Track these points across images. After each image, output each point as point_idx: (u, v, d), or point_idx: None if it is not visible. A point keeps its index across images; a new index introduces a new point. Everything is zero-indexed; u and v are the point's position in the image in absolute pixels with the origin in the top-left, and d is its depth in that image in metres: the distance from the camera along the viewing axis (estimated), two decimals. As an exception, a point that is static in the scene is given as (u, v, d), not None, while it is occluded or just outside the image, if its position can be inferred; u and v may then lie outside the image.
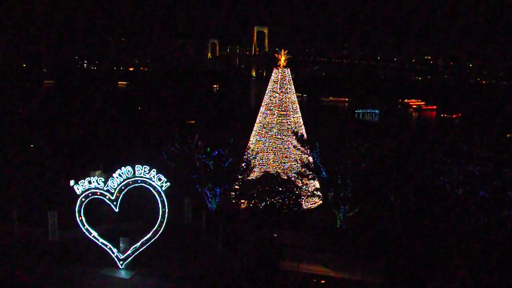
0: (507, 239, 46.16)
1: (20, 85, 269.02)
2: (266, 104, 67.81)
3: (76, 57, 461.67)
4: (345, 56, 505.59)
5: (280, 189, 57.90)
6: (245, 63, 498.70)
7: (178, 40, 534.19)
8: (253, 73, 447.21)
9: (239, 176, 61.01)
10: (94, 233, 43.28)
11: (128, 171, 41.57)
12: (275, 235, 51.77)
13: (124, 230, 46.82)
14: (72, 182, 57.16)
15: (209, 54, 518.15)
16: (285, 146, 65.45)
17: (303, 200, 60.03)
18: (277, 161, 65.35)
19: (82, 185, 42.13)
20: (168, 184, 41.63)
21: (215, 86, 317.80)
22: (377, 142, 61.04)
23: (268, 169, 64.27)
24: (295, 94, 69.08)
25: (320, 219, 58.71)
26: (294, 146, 62.27)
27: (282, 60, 68.26)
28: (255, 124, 68.96)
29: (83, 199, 42.24)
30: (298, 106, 68.82)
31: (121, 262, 43.19)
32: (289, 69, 68.63)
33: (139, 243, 42.80)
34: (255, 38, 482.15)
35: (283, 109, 66.59)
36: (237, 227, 52.87)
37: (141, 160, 45.04)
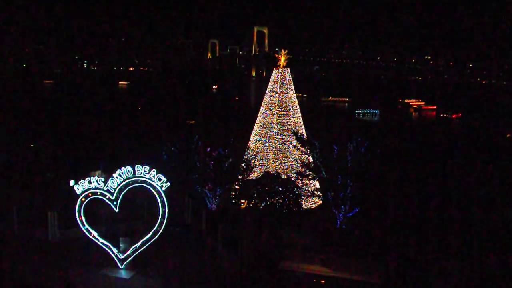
0: (507, 239, 46.21)
1: (20, 85, 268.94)
2: (266, 104, 67.75)
3: (76, 57, 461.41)
4: (345, 56, 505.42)
5: (280, 189, 57.85)
6: (245, 63, 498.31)
7: (178, 40, 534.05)
8: (253, 73, 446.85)
9: (239, 176, 60.99)
10: (94, 233, 43.32)
11: (128, 171, 41.62)
12: (275, 235, 51.79)
13: (124, 230, 46.88)
14: (72, 182, 57.18)
15: (209, 54, 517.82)
16: (285, 146, 65.39)
17: (303, 200, 59.99)
18: (277, 161, 65.29)
19: (82, 185, 42.16)
20: (168, 184, 41.67)
21: (214, 87, 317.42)
22: (377, 142, 61.06)
23: (268, 169, 64.22)
24: (295, 94, 69.04)
25: (320, 219, 58.68)
26: (294, 146, 62.23)
27: (282, 60, 68.19)
28: (255, 124, 68.91)
29: (83, 199, 42.28)
30: (298, 106, 68.76)
31: (121, 262, 43.21)
32: (289, 69, 68.57)
33: (139, 243, 42.84)
34: (255, 38, 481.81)
35: (283, 109, 66.54)
36: (237, 227, 52.86)
37: (141, 160, 45.11)
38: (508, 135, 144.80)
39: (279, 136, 65.85)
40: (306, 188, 60.05)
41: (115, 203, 42.14)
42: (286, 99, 67.00)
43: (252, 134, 68.63)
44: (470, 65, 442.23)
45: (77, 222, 42.82)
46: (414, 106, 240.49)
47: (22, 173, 68.67)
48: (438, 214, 52.71)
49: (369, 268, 45.94)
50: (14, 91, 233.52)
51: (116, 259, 43.23)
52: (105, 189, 42.12)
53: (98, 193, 42.27)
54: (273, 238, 51.44)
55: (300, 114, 68.75)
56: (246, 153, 64.12)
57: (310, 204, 64.43)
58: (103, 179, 42.49)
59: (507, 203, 48.10)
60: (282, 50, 69.66)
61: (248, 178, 61.64)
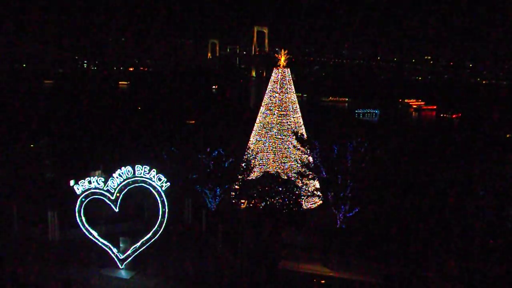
0: (507, 239, 46.17)
1: (20, 85, 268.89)
2: (266, 104, 67.75)
3: (76, 57, 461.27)
4: (345, 56, 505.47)
5: (280, 189, 57.84)
6: (245, 63, 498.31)
7: (178, 40, 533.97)
8: (253, 73, 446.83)
9: (239, 176, 60.98)
10: (94, 233, 43.29)
11: (128, 171, 41.59)
12: (275, 235, 51.78)
13: (124, 230, 46.86)
14: (72, 182, 57.13)
15: (209, 54, 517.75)
16: (285, 146, 65.40)
17: (303, 200, 59.99)
18: (277, 161, 65.29)
19: (82, 185, 42.14)
20: (168, 184, 41.64)
21: (214, 87, 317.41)
22: (377, 142, 61.08)
23: (268, 169, 64.22)
24: (295, 94, 69.03)
25: (320, 219, 58.69)
26: (294, 146, 62.24)
27: (282, 60, 68.18)
28: (255, 124, 68.90)
29: (83, 199, 42.26)
30: (298, 106, 68.76)
31: (121, 262, 43.21)
32: (289, 69, 68.57)
33: (139, 243, 42.81)
34: (255, 38, 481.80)
35: (283, 109, 66.54)
36: (237, 227, 52.84)
37: (141, 160, 45.09)
38: (508, 135, 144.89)
39: (279, 136, 65.84)
40: (306, 188, 60.03)
41: (115, 203, 42.11)
42: (286, 99, 66.99)
43: (252, 134, 68.63)
44: (470, 65, 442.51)
45: (77, 222, 42.79)
46: (414, 106, 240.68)
47: (22, 173, 68.61)
48: (439, 213, 52.68)
49: (369, 268, 45.92)
50: (14, 91, 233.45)
51: (116, 259, 43.21)
52: (105, 189, 42.10)
53: (98, 193, 42.24)
54: (273, 238, 51.43)
55: (300, 114, 68.74)
56: (246, 153, 64.13)
57: (310, 204, 64.42)
58: (103, 179, 42.47)
59: (507, 203, 48.06)
60: (282, 50, 69.64)
61: (248, 178, 61.63)
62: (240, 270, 44.03)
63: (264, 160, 65.61)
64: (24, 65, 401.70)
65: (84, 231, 43.08)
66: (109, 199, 42.13)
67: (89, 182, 42.13)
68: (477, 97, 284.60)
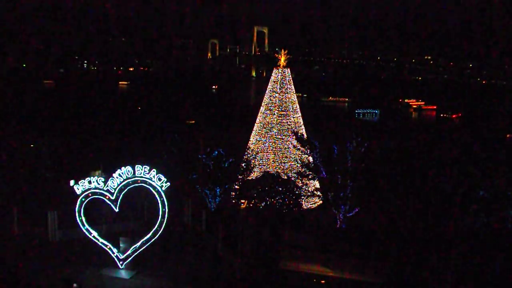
0: (507, 239, 46.18)
1: (20, 85, 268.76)
2: (266, 104, 67.79)
3: (76, 57, 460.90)
4: (345, 56, 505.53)
5: (280, 189, 57.88)
6: (245, 63, 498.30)
7: (178, 40, 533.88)
8: (253, 73, 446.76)
9: (239, 176, 61.00)
10: (94, 233, 43.27)
11: (128, 171, 41.56)
12: (275, 234, 51.78)
13: (124, 230, 46.84)
14: (72, 182, 57.10)
15: (209, 54, 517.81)
16: (285, 146, 65.44)
17: (303, 200, 60.01)
18: (277, 161, 65.34)
19: (82, 185, 42.12)
20: (168, 184, 41.62)
21: (214, 87, 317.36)
22: (377, 142, 61.12)
23: (268, 169, 64.25)
24: (295, 94, 69.07)
25: (320, 219, 58.70)
26: (294, 146, 62.27)
27: (282, 60, 68.22)
28: (255, 124, 68.94)
29: (83, 199, 42.23)
30: (298, 106, 68.80)
31: (121, 262, 43.18)
32: (289, 69, 68.59)
33: (139, 243, 42.79)
34: (255, 38, 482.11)
35: (283, 109, 66.58)
36: (237, 227, 52.83)
37: (141, 160, 45.07)
38: (508, 135, 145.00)
39: (279, 136, 65.88)
40: (306, 188, 60.08)
41: (115, 203, 42.09)
42: (286, 99, 67.05)
43: (252, 134, 68.67)
44: (470, 65, 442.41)
45: (77, 222, 42.78)
46: (414, 106, 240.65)
47: (22, 173, 68.60)
48: (439, 213, 52.69)
49: (369, 268, 45.93)
50: (14, 91, 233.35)
51: (116, 259, 43.19)
52: (105, 189, 42.07)
53: (98, 193, 42.23)
54: (273, 237, 51.45)
55: (300, 114, 68.81)
56: (246, 153, 64.17)
57: (310, 204, 64.46)
58: (103, 179, 42.43)
59: (508, 205, 48.06)
60: (282, 50, 69.69)
61: (248, 178, 61.65)
62: (240, 270, 44.03)
63: (264, 160, 65.66)
64: (24, 65, 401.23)
65: (84, 231, 43.06)
66: (109, 199, 42.11)
67: (89, 182, 42.10)
68: (477, 97, 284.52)
